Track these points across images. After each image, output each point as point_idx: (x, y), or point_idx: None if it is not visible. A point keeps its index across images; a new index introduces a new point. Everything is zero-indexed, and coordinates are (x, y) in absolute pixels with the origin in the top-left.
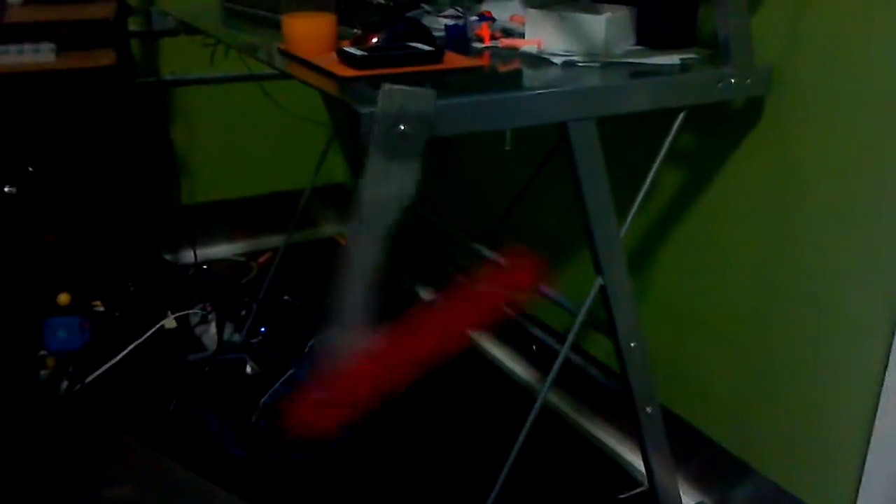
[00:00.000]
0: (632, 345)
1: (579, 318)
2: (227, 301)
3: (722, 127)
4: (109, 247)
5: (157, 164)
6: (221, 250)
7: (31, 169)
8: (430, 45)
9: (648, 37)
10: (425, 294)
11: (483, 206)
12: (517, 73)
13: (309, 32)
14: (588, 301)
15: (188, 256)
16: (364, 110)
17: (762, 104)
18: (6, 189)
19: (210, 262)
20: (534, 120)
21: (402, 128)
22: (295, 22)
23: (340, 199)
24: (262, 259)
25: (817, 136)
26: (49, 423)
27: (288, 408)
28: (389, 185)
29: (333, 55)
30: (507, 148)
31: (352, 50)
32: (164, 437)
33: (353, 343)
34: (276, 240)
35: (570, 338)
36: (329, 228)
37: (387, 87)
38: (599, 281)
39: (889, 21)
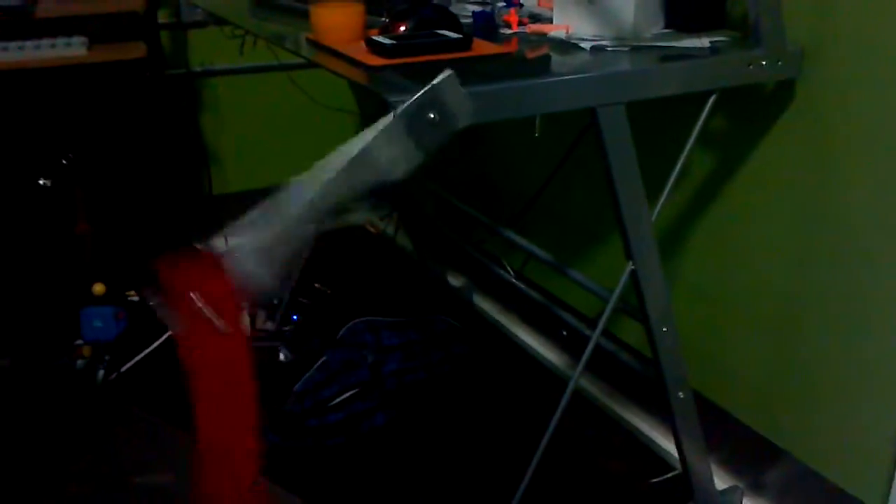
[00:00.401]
0: (664, 329)
1: (611, 304)
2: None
3: (753, 109)
4: (142, 237)
5: (188, 154)
6: None
7: (64, 161)
8: (457, 33)
9: (677, 19)
10: (455, 280)
11: (513, 191)
12: (545, 59)
13: (337, 22)
14: (619, 286)
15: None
16: (394, 99)
17: (794, 86)
18: (41, 181)
19: None
20: (562, 106)
21: (432, 115)
22: (323, 11)
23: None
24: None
25: (850, 117)
26: (87, 412)
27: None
28: (392, 152)
29: (362, 44)
30: (537, 135)
31: (380, 39)
32: None
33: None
34: None
35: (601, 323)
36: (358, 216)
37: (442, 73)
38: (630, 266)
39: None
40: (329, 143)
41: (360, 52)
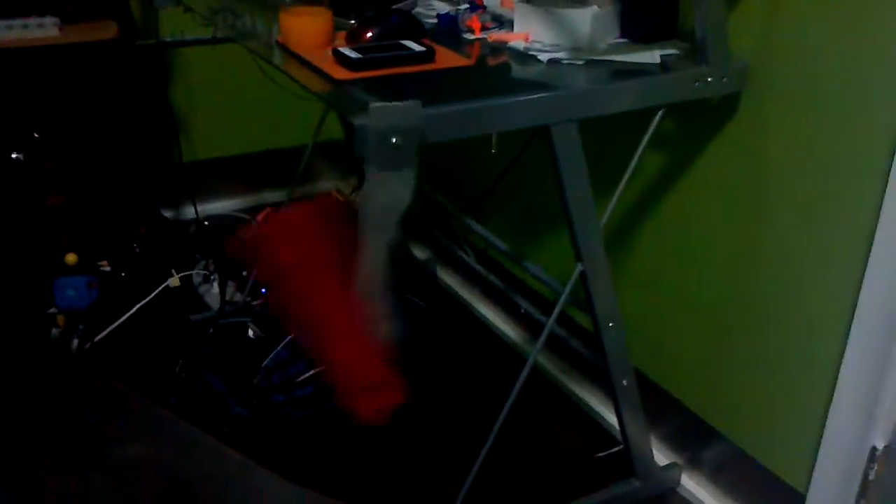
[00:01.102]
0: (609, 325)
1: (562, 299)
2: (229, 260)
3: (701, 116)
4: (113, 207)
5: (158, 123)
6: (221, 206)
7: (36, 135)
8: (421, 41)
9: (631, 30)
10: (420, 254)
11: (474, 178)
12: (503, 75)
13: (306, 29)
14: (569, 284)
15: (188, 213)
16: (358, 122)
17: (738, 97)
18: (14, 156)
19: (210, 218)
20: (518, 124)
21: (395, 140)
22: (292, 19)
23: (338, 155)
24: (261, 216)
25: (788, 129)
26: (62, 381)
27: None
28: (388, 192)
29: (329, 52)
30: (493, 151)
31: (347, 51)
32: (172, 397)
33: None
34: (274, 195)
35: (553, 315)
36: (326, 184)
37: (375, 105)
38: (580, 267)
39: (850, 21)
40: (299, 111)
41: (327, 63)
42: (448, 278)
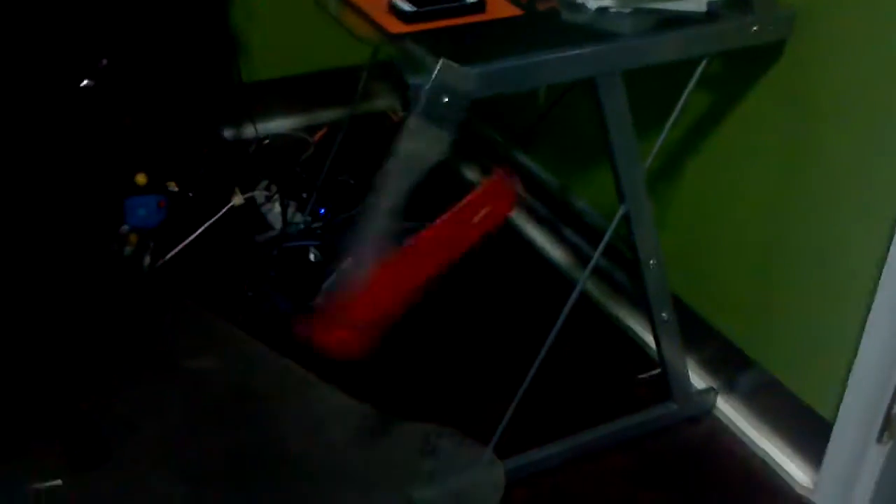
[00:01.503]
0: (651, 262)
1: (605, 239)
2: (289, 180)
3: (746, 58)
4: (178, 128)
5: (218, 44)
6: (279, 125)
7: (104, 62)
8: None
9: None
10: (470, 174)
11: (521, 110)
12: (552, 25)
13: None
14: (612, 225)
15: (247, 132)
16: (413, 81)
17: (784, 44)
18: (84, 82)
19: (270, 136)
20: (564, 77)
21: (445, 99)
22: None
23: (392, 75)
24: (318, 135)
25: (833, 75)
26: (136, 297)
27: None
28: (423, 143)
29: (384, 1)
30: (540, 103)
31: (401, 3)
32: (239, 314)
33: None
34: (330, 114)
35: (597, 253)
36: (381, 103)
37: (439, 62)
38: (623, 209)
39: None
40: None
41: (382, 13)
42: None
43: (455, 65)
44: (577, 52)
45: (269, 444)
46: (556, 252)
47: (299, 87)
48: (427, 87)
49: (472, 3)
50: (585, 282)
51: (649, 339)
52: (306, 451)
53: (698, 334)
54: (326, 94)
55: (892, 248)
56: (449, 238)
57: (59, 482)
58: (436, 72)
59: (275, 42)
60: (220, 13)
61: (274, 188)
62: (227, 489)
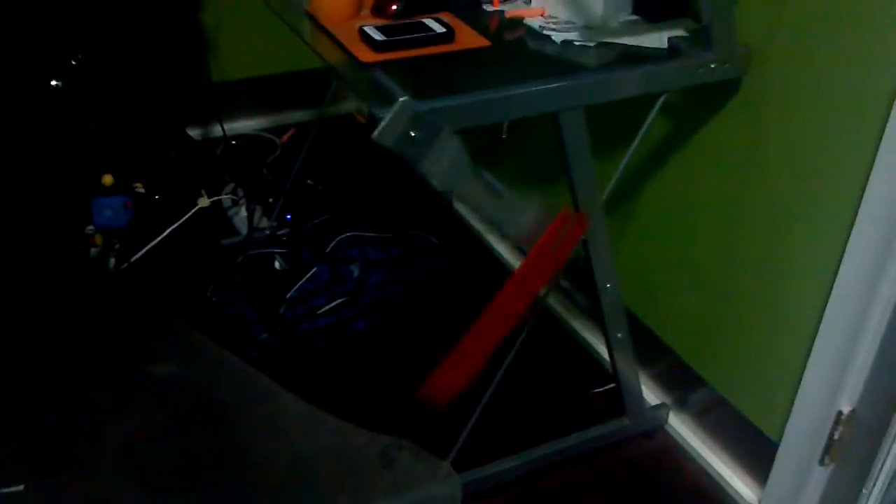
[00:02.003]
0: (607, 286)
1: None
2: (256, 183)
3: (703, 90)
4: (146, 129)
5: (188, 45)
6: (246, 125)
7: (73, 62)
8: (443, 16)
9: (644, 7)
10: None
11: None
12: (518, 58)
13: (334, 4)
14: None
15: (214, 132)
16: (381, 114)
17: (739, 80)
18: (53, 83)
19: (237, 137)
20: (528, 112)
21: (413, 134)
22: None
23: None
24: (286, 136)
25: (786, 107)
26: (101, 299)
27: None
28: (439, 162)
29: (355, 28)
30: (504, 136)
31: (371, 32)
32: (202, 319)
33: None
34: (297, 115)
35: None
36: (347, 105)
37: (396, 103)
38: (582, 236)
39: (856, 13)
40: None
41: (353, 41)
42: (463, 209)
43: (419, 104)
44: (543, 87)
45: (233, 452)
46: (518, 265)
47: (267, 88)
48: (390, 125)
49: (441, 34)
50: (546, 299)
51: (605, 353)
52: (269, 460)
53: (653, 351)
54: (293, 95)
55: (839, 274)
56: (533, 276)
57: (21, 487)
58: (400, 114)
59: (243, 43)
60: (190, 13)
61: (240, 192)
62: (190, 498)
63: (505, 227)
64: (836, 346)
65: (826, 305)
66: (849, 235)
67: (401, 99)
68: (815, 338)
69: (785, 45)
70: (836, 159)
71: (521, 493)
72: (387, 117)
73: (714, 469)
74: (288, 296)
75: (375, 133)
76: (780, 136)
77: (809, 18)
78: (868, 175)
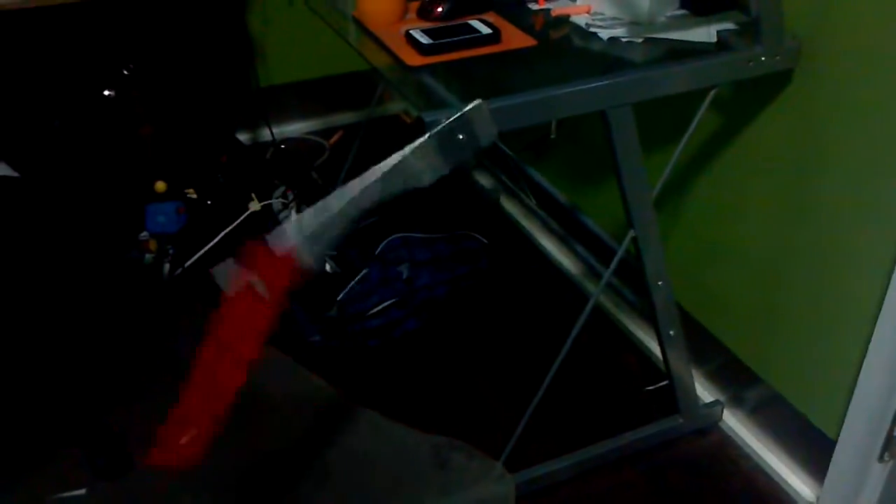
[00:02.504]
0: (658, 283)
1: (615, 260)
2: (305, 186)
3: (755, 83)
4: (197, 135)
5: (235, 50)
6: (295, 129)
7: (125, 72)
8: (488, 16)
9: (691, 1)
10: (484, 181)
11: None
12: (565, 57)
13: (381, 9)
14: (622, 248)
15: (263, 136)
16: (429, 118)
17: (791, 72)
18: (106, 93)
19: (286, 141)
20: (576, 111)
21: (461, 136)
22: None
23: None
24: (334, 138)
25: (839, 101)
26: (156, 305)
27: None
28: (420, 165)
29: (402, 32)
30: (552, 136)
31: (418, 35)
32: None
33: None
34: (344, 117)
35: (608, 272)
36: (393, 106)
37: (472, 103)
38: (632, 233)
39: None
40: None
41: (400, 45)
42: (510, 207)
43: (484, 108)
44: (589, 86)
45: (287, 453)
46: (569, 262)
47: (314, 91)
48: (450, 121)
49: (488, 35)
50: (598, 297)
51: (658, 350)
52: (323, 461)
53: (706, 348)
54: (341, 97)
55: (895, 274)
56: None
57: (83, 492)
58: (464, 111)
59: (290, 47)
60: (237, 19)
61: (290, 195)
62: (248, 500)
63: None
64: (895, 340)
65: (883, 300)
66: None
67: (477, 102)
68: (872, 333)
69: (836, 36)
70: (893, 152)
71: (574, 493)
72: (459, 113)
73: (770, 467)
74: (338, 298)
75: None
76: (834, 128)
77: (860, 8)
78: None
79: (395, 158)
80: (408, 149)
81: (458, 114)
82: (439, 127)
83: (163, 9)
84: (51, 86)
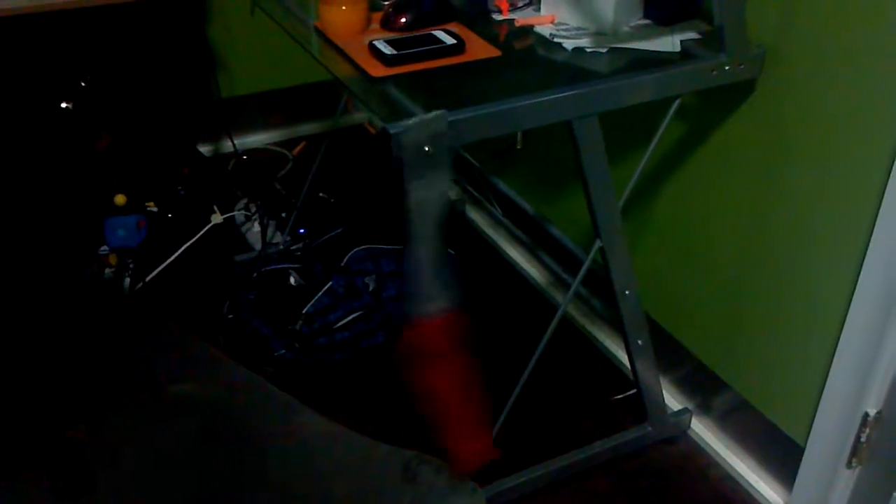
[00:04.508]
0: (626, 292)
1: (582, 270)
2: (268, 198)
3: (720, 91)
4: (157, 147)
5: (195, 61)
6: (257, 140)
7: (83, 84)
8: (452, 26)
9: (654, 11)
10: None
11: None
12: (529, 67)
13: (344, 20)
14: (589, 258)
15: (224, 147)
16: (394, 130)
17: (754, 80)
18: (63, 105)
19: (247, 152)
20: (541, 122)
21: (427, 149)
22: (330, 9)
23: None
24: (297, 149)
25: (803, 108)
26: (117, 320)
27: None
28: (429, 190)
29: (365, 42)
30: (518, 147)
31: (381, 46)
32: (220, 336)
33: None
34: (307, 128)
35: (575, 283)
36: (359, 116)
37: (411, 121)
38: (599, 243)
39: (871, 10)
40: None
41: (363, 56)
42: (477, 218)
43: (426, 117)
44: (555, 96)
45: (253, 470)
46: (536, 272)
47: (276, 102)
48: (406, 140)
49: (452, 45)
50: (566, 307)
51: (625, 359)
52: (290, 477)
53: (674, 356)
54: (304, 108)
55: (861, 275)
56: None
57: None
58: (413, 128)
59: (252, 57)
60: (197, 29)
61: (253, 207)
62: None
63: (412, 296)
64: (861, 347)
65: (850, 306)
66: (871, 236)
67: (438, 111)
68: (839, 339)
69: (800, 44)
70: (856, 159)
71: (545, 503)
72: (414, 122)
73: (739, 474)
74: (304, 311)
75: (394, 140)
76: (798, 135)
77: (823, 16)
78: (889, 174)
79: (409, 209)
80: (407, 196)
81: (398, 128)
82: (405, 161)
83: (121, 19)
84: (6, 97)
